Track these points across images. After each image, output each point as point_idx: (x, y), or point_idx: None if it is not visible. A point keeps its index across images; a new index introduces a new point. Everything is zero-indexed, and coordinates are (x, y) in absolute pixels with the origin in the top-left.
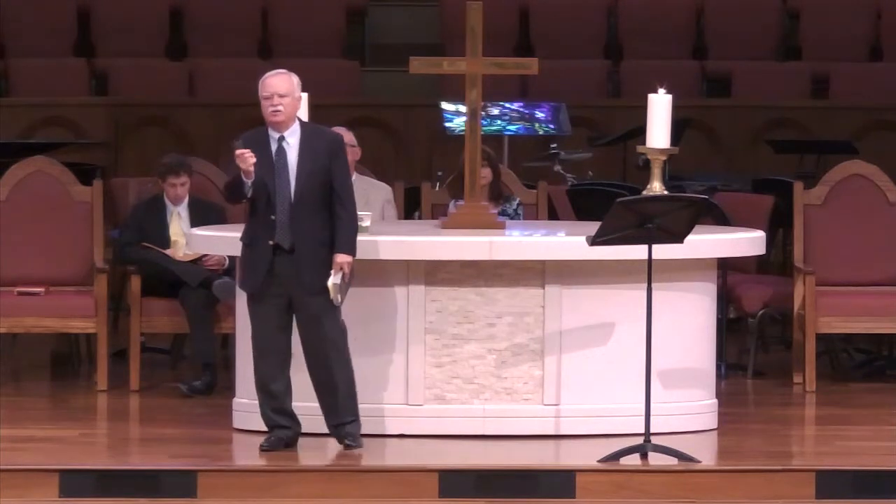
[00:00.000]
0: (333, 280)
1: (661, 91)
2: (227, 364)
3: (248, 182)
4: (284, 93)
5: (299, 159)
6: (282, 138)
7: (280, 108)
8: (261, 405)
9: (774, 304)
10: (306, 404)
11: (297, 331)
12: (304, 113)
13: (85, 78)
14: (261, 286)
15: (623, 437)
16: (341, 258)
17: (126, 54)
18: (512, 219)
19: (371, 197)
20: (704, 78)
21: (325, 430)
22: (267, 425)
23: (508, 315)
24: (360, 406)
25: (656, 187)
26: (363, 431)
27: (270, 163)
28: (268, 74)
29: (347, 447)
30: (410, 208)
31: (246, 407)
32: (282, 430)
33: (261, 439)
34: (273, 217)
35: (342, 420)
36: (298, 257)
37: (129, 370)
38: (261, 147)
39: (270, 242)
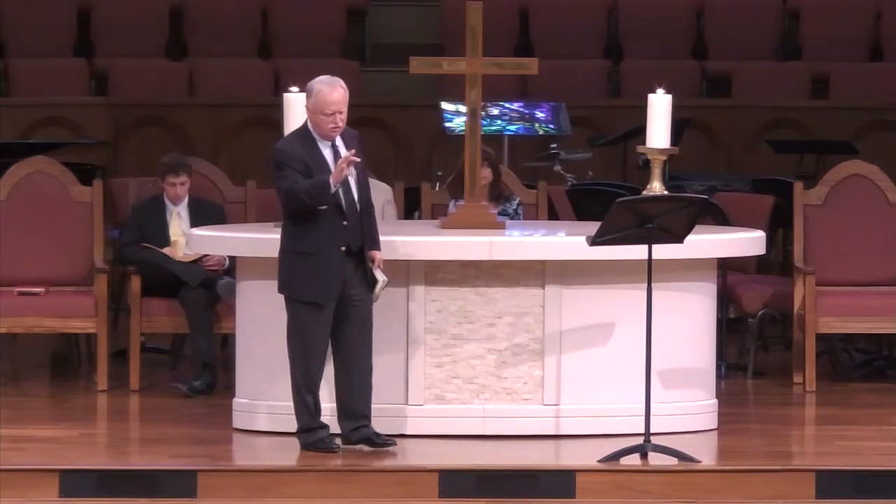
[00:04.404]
0: (384, 277)
1: (661, 91)
2: (227, 364)
3: (335, 187)
4: (344, 108)
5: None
6: (333, 143)
7: (342, 124)
8: (306, 407)
9: (774, 304)
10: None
11: (342, 329)
12: (303, 113)
13: (85, 78)
14: (335, 292)
15: (623, 437)
16: (381, 255)
17: (126, 54)
18: (512, 219)
19: (371, 197)
20: (704, 78)
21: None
22: (308, 427)
23: (508, 315)
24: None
25: (656, 187)
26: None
27: (328, 169)
28: (325, 87)
29: (384, 444)
30: (410, 208)
31: (246, 407)
32: (325, 429)
33: (261, 439)
34: (345, 223)
35: (368, 419)
36: (362, 258)
37: (129, 370)
38: (313, 154)
39: (343, 248)
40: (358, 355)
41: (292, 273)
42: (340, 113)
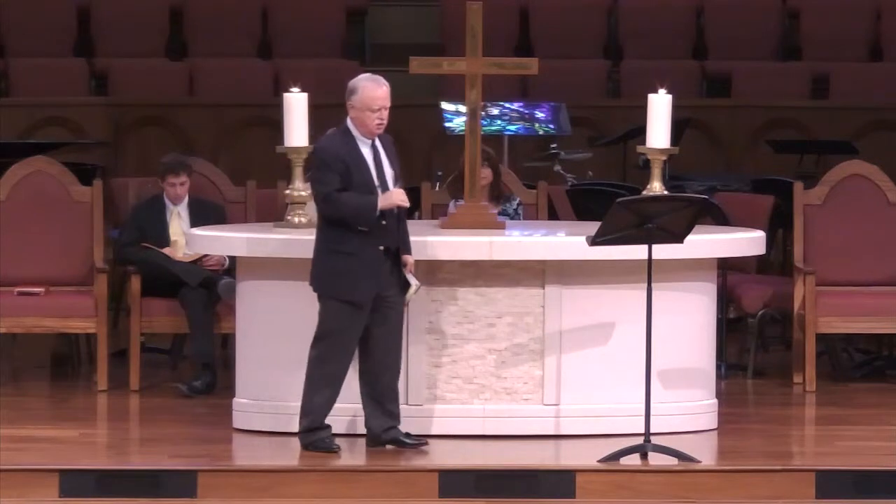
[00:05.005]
0: (417, 282)
1: (662, 91)
2: (227, 364)
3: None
4: (388, 105)
5: (388, 162)
6: (373, 143)
7: (385, 121)
8: (315, 407)
9: (774, 304)
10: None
11: (372, 331)
12: (303, 113)
13: (85, 78)
14: (373, 292)
15: (623, 437)
16: (412, 259)
17: (126, 54)
18: (512, 219)
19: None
20: (704, 78)
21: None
22: (310, 427)
23: (508, 315)
24: (361, 406)
25: (656, 187)
26: (362, 431)
27: (368, 168)
28: (369, 83)
29: (416, 444)
30: (410, 208)
31: (246, 407)
32: (327, 430)
33: (261, 439)
34: (385, 223)
35: (398, 421)
36: (397, 259)
37: (129, 370)
38: (353, 153)
39: (381, 248)
40: (389, 357)
41: (332, 272)
42: (385, 109)
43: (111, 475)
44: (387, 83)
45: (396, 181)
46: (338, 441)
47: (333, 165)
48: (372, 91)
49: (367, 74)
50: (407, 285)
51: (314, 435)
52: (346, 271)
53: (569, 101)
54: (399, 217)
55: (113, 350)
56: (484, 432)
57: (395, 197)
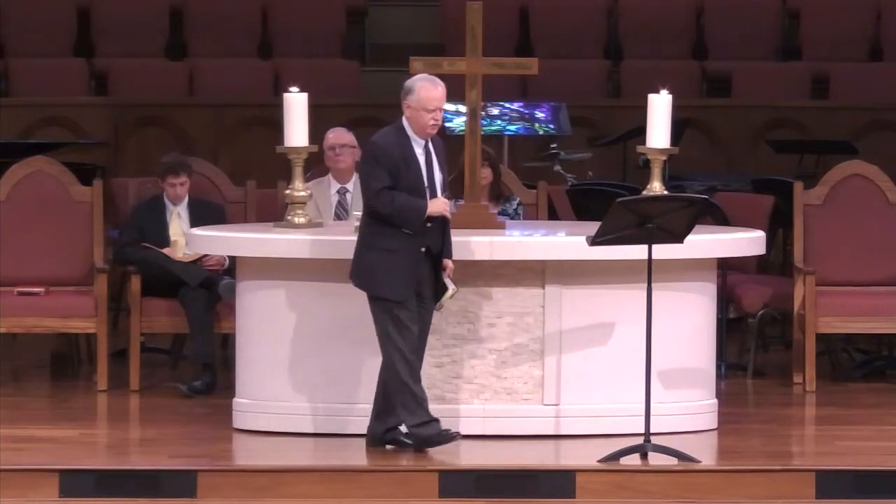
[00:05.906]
0: (454, 287)
1: (664, 91)
2: (227, 364)
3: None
4: (443, 106)
5: (438, 164)
6: (426, 145)
7: (440, 122)
8: (415, 400)
9: (774, 304)
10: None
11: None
12: (303, 113)
13: (85, 78)
14: (412, 290)
15: (623, 437)
16: (452, 264)
17: (126, 54)
18: (512, 219)
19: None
20: (704, 78)
21: (327, 431)
22: (425, 420)
23: (508, 315)
24: (361, 406)
25: (656, 187)
26: (362, 431)
27: (419, 169)
28: (427, 83)
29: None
30: None
31: (246, 407)
32: (438, 421)
33: (261, 439)
34: (429, 224)
35: (401, 422)
36: (436, 262)
37: (129, 370)
38: (405, 152)
39: (423, 249)
40: (420, 354)
41: (372, 269)
42: (440, 110)
43: (111, 475)
44: (443, 84)
45: (445, 186)
46: (337, 441)
47: (384, 161)
48: (428, 91)
49: (424, 74)
50: (444, 289)
51: (430, 427)
52: (386, 268)
53: (569, 101)
54: (443, 220)
55: (113, 350)
56: (484, 432)
57: (441, 206)
